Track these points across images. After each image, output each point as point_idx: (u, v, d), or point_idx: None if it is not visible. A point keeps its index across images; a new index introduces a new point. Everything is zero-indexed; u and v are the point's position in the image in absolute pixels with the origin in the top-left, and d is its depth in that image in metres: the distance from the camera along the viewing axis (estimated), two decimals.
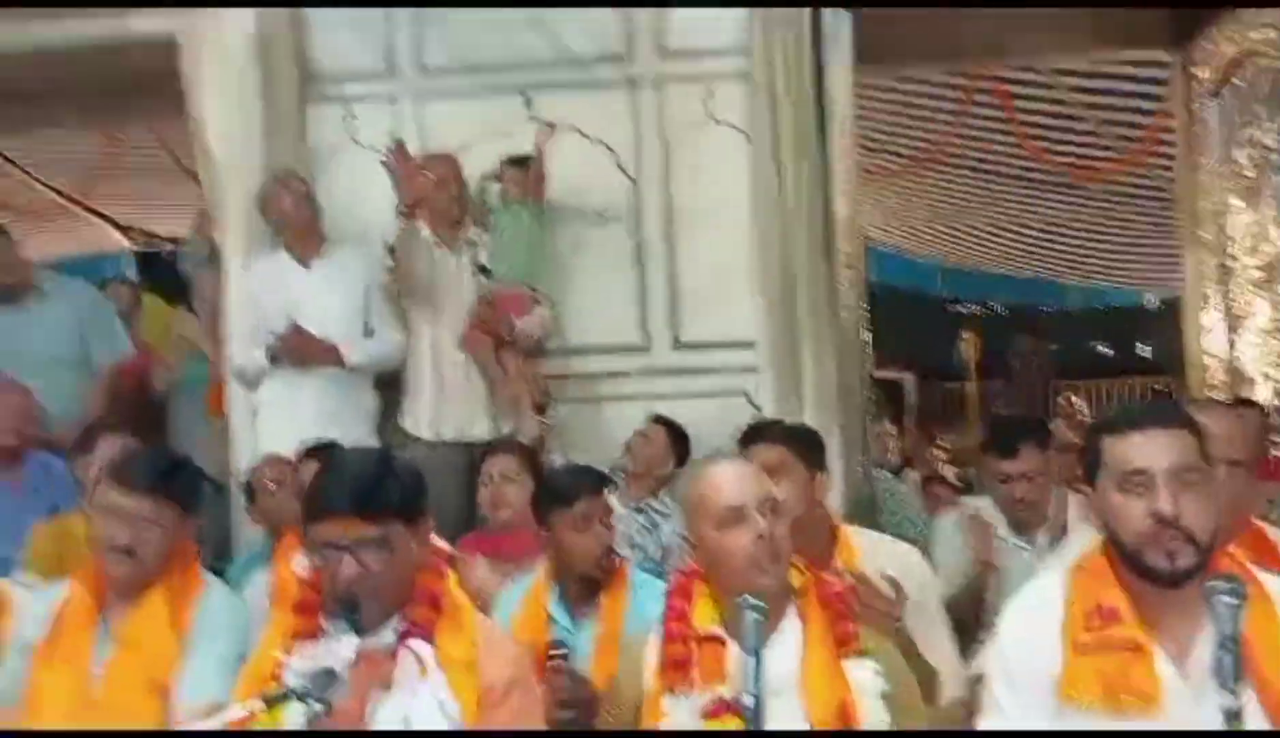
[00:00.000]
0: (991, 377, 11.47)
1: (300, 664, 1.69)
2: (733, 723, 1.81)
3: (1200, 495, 1.67)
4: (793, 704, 1.85)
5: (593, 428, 3.86)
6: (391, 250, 3.62)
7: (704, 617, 1.97)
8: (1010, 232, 8.71)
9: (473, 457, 3.46)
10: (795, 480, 2.52)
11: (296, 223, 3.71)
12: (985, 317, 12.21)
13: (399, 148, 3.69)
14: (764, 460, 2.51)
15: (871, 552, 2.55)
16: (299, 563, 1.99)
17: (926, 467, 6.78)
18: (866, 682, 1.89)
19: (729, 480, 2.00)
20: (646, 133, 3.98)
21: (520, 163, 3.78)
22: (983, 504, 3.12)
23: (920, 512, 4.27)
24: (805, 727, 1.84)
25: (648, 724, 1.91)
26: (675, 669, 1.92)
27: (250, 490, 3.39)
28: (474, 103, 4.00)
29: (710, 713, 1.86)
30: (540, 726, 1.98)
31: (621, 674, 2.06)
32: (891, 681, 1.91)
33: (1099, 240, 8.52)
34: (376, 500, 1.84)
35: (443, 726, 1.73)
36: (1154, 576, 1.68)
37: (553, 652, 2.39)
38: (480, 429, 3.65)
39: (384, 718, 1.75)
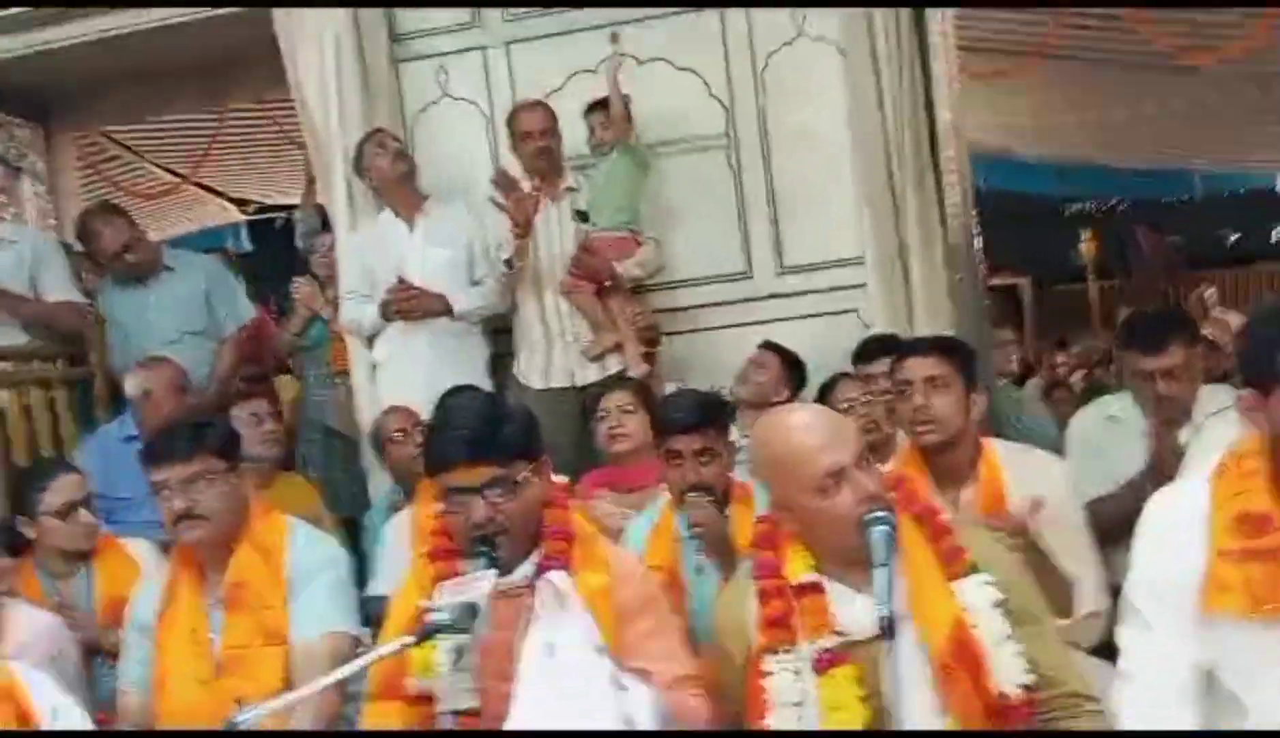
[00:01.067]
0: (1113, 276, 11.00)
1: (443, 600, 1.75)
2: (843, 675, 1.76)
3: None
4: (906, 635, 1.75)
5: (703, 359, 3.85)
6: (508, 262, 3.59)
7: (797, 566, 1.85)
8: (1127, 123, 8.31)
9: (583, 401, 3.52)
10: (955, 395, 2.47)
11: (393, 181, 3.75)
12: (1104, 214, 11.68)
13: (501, 176, 3.63)
14: (925, 373, 2.48)
15: (1013, 463, 2.50)
16: (437, 509, 2.05)
17: (1049, 374, 6.60)
18: (980, 597, 1.77)
19: (823, 441, 1.79)
20: (738, 57, 3.90)
21: (601, 105, 3.73)
22: (1122, 402, 2.99)
23: (1045, 420, 4.17)
24: (921, 656, 1.75)
25: (753, 685, 1.82)
26: (775, 627, 1.82)
27: (378, 442, 3.51)
28: (561, 44, 3.98)
29: (820, 667, 1.77)
30: (676, 637, 1.99)
31: (722, 634, 1.95)
32: (1007, 588, 1.80)
33: (1221, 125, 8.07)
34: (493, 442, 1.89)
35: (587, 651, 1.77)
36: None
37: (695, 495, 2.45)
38: (589, 373, 3.66)
39: (530, 647, 1.80)
